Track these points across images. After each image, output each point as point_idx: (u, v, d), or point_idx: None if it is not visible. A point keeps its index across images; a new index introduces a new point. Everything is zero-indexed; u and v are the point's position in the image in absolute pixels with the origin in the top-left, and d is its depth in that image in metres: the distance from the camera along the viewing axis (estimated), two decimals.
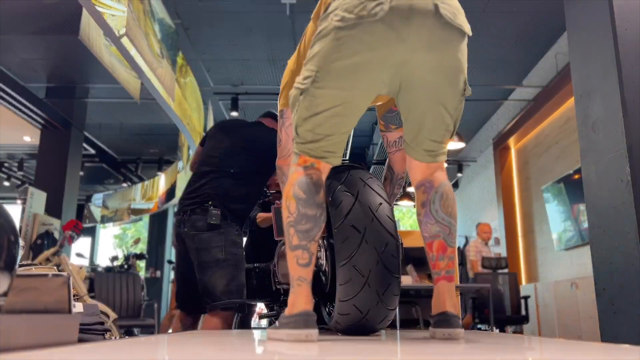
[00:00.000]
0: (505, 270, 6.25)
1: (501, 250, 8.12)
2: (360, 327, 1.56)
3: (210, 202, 2.49)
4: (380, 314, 1.54)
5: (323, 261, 1.76)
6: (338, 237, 1.54)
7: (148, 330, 5.80)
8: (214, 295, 2.35)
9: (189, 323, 2.64)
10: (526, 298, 6.03)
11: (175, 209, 2.65)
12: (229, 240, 2.45)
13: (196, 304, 2.51)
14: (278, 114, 1.86)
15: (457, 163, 10.32)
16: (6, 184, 11.43)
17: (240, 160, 2.61)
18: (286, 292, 2.29)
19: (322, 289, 1.88)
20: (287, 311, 1.35)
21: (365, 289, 1.48)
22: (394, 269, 1.53)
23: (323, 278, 1.82)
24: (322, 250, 1.75)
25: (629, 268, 2.78)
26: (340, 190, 1.60)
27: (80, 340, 1.40)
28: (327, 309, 1.86)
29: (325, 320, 1.83)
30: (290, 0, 5.44)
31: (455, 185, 11.15)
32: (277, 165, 1.91)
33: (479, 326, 5.91)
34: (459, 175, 10.51)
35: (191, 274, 2.47)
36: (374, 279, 1.49)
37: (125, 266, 6.91)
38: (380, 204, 1.57)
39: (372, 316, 1.53)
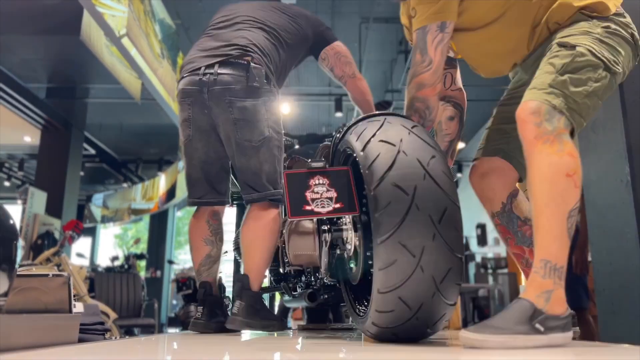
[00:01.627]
0: (505, 270, 6.25)
1: (501, 250, 8.12)
2: (407, 330, 1.19)
3: (249, 57, 1.86)
4: (436, 310, 1.16)
5: (350, 244, 1.40)
6: (376, 203, 1.15)
7: (148, 330, 5.81)
8: (260, 183, 1.85)
9: (217, 219, 2.07)
10: None
11: (182, 70, 1.96)
12: (272, 114, 1.89)
13: (216, 194, 2.00)
14: (419, 30, 1.49)
15: (457, 163, 10.33)
16: (6, 184, 11.44)
17: (279, 19, 2.04)
18: (298, 274, 2.03)
19: (349, 281, 1.51)
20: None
21: (417, 274, 1.12)
22: (456, 246, 1.16)
23: (351, 266, 1.45)
24: (348, 230, 1.39)
25: (629, 268, 2.78)
26: (376, 140, 1.21)
27: (81, 340, 1.40)
28: (356, 308, 1.47)
29: (354, 323, 1.46)
30: (290, 0, 5.44)
31: (456, 185, 11.14)
32: (418, 96, 1.50)
33: None
34: (459, 175, 10.51)
35: (212, 156, 1.95)
36: (429, 260, 1.12)
37: (126, 266, 6.92)
38: (433, 156, 1.20)
39: (426, 314, 1.16)
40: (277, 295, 3.11)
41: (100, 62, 5.09)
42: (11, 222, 1.28)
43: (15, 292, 1.29)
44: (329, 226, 1.42)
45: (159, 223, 12.68)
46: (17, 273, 1.29)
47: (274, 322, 1.79)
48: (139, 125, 9.42)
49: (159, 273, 11.84)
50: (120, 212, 12.27)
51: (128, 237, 18.69)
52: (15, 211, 8.26)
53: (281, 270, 1.90)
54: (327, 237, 1.41)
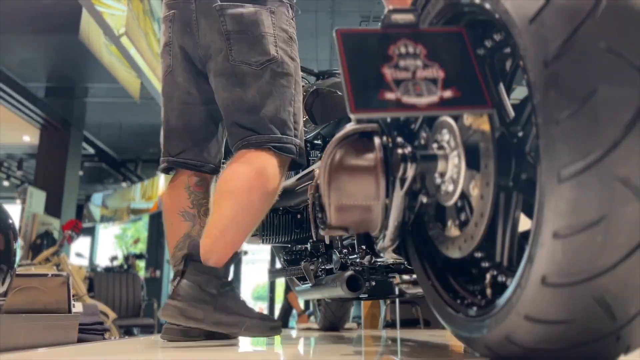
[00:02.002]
0: None
1: None
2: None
3: None
4: None
5: (455, 183, 0.74)
6: (559, 90, 0.55)
7: (148, 330, 5.80)
8: (260, 123, 1.30)
9: (203, 186, 1.47)
10: None
11: None
12: (282, 30, 1.38)
13: (200, 154, 1.44)
14: None
15: None
16: (5, 183, 11.42)
17: None
18: (327, 247, 1.42)
19: (439, 257, 0.85)
20: None
21: None
22: None
23: (464, 213, 0.78)
24: (449, 157, 0.76)
25: None
26: None
27: (80, 340, 1.40)
28: (454, 304, 0.80)
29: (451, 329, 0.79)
30: None
31: None
32: None
33: None
34: None
35: (196, 98, 1.43)
36: None
37: (125, 266, 6.92)
38: None
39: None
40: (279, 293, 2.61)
41: (99, 61, 5.08)
42: (10, 221, 1.27)
43: (14, 292, 1.29)
44: (409, 149, 0.76)
45: (158, 223, 12.65)
46: (16, 273, 1.28)
47: (243, 320, 1.17)
48: (138, 124, 9.41)
49: (158, 273, 11.83)
50: (120, 212, 12.26)
51: (127, 237, 18.69)
52: (14, 211, 8.25)
53: (313, 236, 1.19)
54: (409, 170, 0.75)
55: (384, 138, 0.84)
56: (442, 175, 0.77)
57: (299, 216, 1.58)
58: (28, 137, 9.27)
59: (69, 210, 8.18)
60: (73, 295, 1.44)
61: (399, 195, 0.81)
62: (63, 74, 7.43)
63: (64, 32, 5.93)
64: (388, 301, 3.08)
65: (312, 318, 3.44)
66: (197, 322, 1.14)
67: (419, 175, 0.79)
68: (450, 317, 0.79)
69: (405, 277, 1.17)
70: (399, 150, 0.77)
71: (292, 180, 1.51)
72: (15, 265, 1.23)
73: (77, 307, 1.46)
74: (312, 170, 1.37)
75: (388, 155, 0.82)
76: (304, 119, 1.56)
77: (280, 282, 12.36)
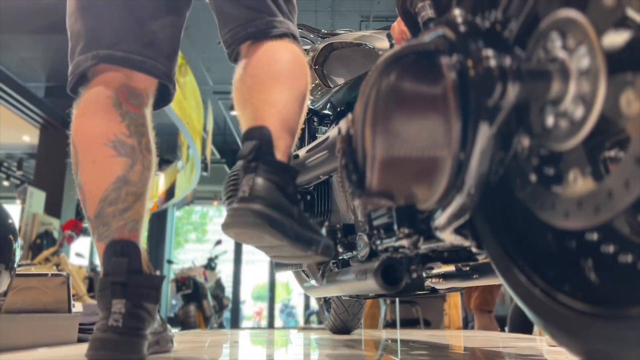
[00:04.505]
0: None
1: None
2: None
3: None
4: None
5: (593, 88, 0.47)
6: None
7: None
8: (275, 3, 1.01)
9: (138, 105, 0.99)
10: None
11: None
12: None
13: (145, 44, 1.00)
14: None
15: None
16: (5, 183, 11.41)
17: None
18: (354, 228, 1.10)
19: (523, 222, 0.61)
20: None
21: None
22: None
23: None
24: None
25: None
26: None
27: (80, 340, 1.40)
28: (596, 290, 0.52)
29: None
30: None
31: None
32: None
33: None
34: None
35: None
36: None
37: None
38: None
39: None
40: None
41: None
42: (10, 221, 1.27)
43: (14, 292, 1.29)
44: (509, 60, 0.52)
45: (157, 223, 12.65)
46: (16, 273, 1.28)
47: (319, 238, 0.84)
48: None
49: (158, 273, 11.81)
50: None
51: None
52: (14, 211, 8.25)
53: (326, 224, 1.02)
54: (509, 92, 0.51)
55: (456, 57, 0.55)
56: (559, 100, 0.50)
57: (308, 197, 1.30)
58: (28, 137, 9.26)
59: (68, 210, 8.18)
60: (73, 295, 1.43)
61: (486, 134, 0.53)
62: (63, 73, 7.38)
63: (63, 31, 5.92)
64: (388, 301, 3.07)
65: (312, 318, 3.42)
66: (281, 237, 0.78)
67: (521, 102, 0.52)
68: (560, 320, 0.53)
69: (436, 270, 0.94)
70: (493, 62, 0.51)
71: (300, 153, 1.24)
72: (15, 265, 1.23)
73: (77, 307, 1.46)
74: (327, 137, 1.10)
75: (465, 78, 0.54)
76: (316, 81, 1.31)
77: (281, 282, 12.32)
